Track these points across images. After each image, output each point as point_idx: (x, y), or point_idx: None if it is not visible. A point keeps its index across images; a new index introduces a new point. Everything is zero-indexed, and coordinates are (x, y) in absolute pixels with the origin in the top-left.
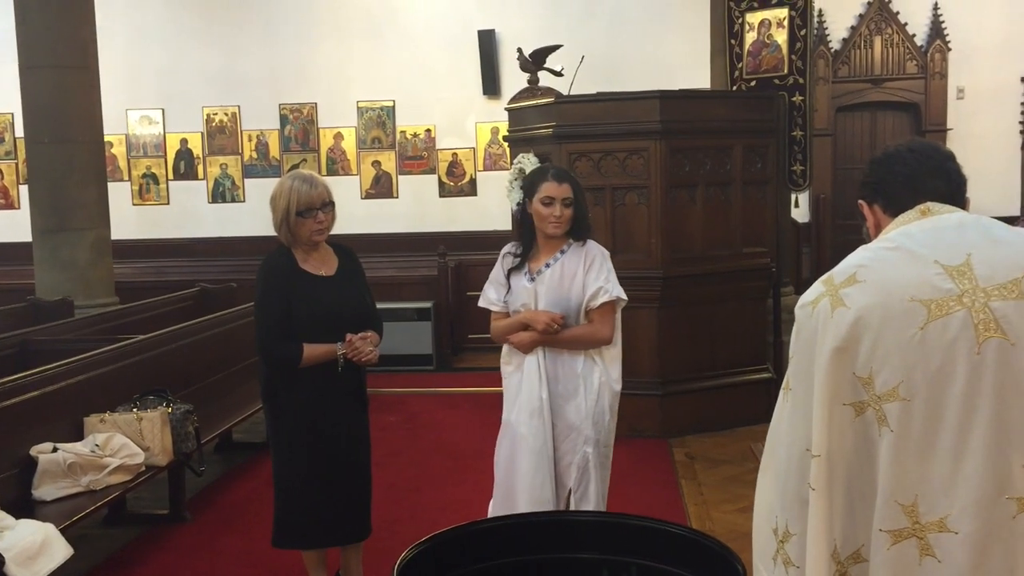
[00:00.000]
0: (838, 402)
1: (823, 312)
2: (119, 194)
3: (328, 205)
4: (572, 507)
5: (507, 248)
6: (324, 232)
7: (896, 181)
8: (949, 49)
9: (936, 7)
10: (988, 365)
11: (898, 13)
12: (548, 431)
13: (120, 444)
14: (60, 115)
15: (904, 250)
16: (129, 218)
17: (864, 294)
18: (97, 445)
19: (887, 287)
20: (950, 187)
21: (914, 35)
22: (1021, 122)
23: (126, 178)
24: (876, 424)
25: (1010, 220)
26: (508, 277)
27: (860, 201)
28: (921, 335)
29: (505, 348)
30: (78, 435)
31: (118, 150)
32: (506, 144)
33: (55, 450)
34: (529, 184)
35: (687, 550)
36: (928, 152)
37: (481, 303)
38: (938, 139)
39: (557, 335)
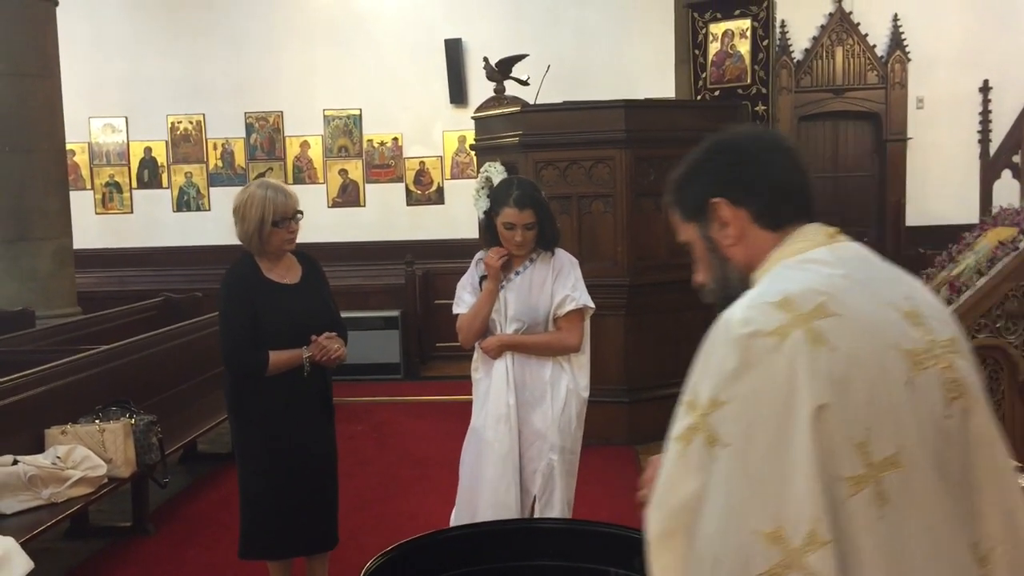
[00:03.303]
0: (832, 474)
1: (799, 349)
2: (81, 203)
3: (299, 214)
4: (537, 514)
5: (479, 255)
6: (294, 241)
7: (776, 188)
8: (909, 59)
9: (896, 18)
10: (955, 429)
11: (859, 24)
12: (515, 437)
13: (82, 456)
14: (21, 123)
15: (855, 280)
16: (92, 227)
17: (847, 332)
18: (58, 457)
19: (867, 326)
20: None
21: (875, 46)
22: (979, 131)
23: (89, 187)
24: (875, 500)
25: (968, 228)
26: (480, 284)
27: (718, 199)
28: (909, 392)
29: (476, 353)
30: (39, 447)
31: (80, 158)
32: (473, 153)
33: (15, 463)
34: (494, 200)
35: None
36: (796, 155)
37: (457, 309)
38: (899, 148)
39: (525, 341)
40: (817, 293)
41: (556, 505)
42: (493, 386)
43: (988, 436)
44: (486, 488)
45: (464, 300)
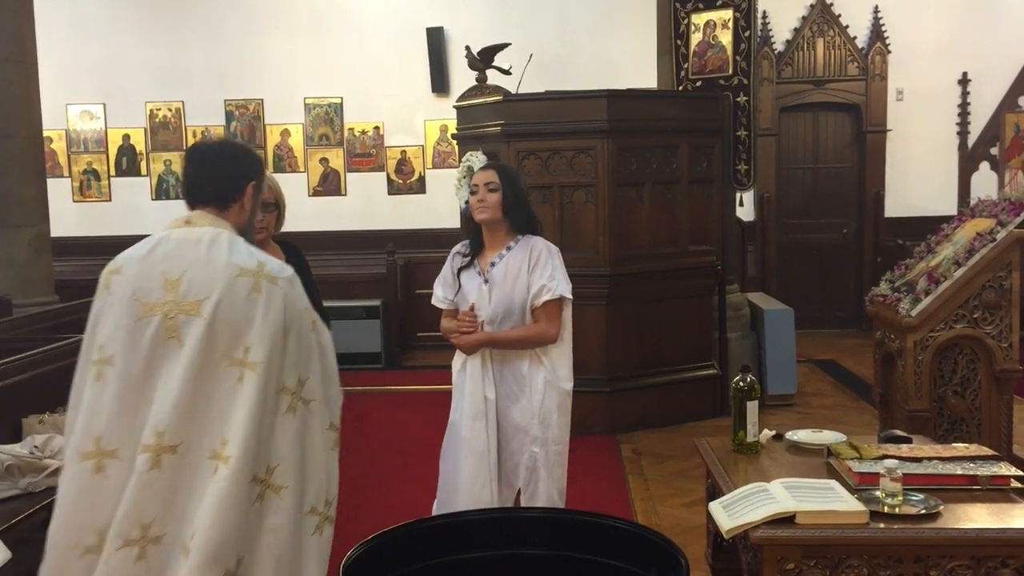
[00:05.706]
0: (88, 357)
1: (101, 285)
2: (59, 190)
3: (270, 207)
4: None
5: (456, 248)
6: (262, 232)
7: (184, 183)
8: (889, 51)
9: (877, 10)
10: (168, 355)
11: (840, 16)
12: (492, 433)
13: (60, 445)
14: None
15: (153, 255)
16: (70, 215)
17: (120, 285)
18: (36, 447)
19: (130, 283)
20: (216, 193)
21: (855, 37)
22: (958, 123)
23: (66, 174)
24: (96, 375)
25: (946, 219)
26: (458, 276)
27: None
28: (135, 324)
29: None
30: (16, 436)
31: (58, 145)
32: (455, 142)
33: None
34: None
35: (632, 544)
36: (210, 159)
37: (433, 301)
38: (878, 140)
39: (502, 337)
40: (125, 258)
41: (541, 497)
42: (469, 381)
43: (186, 360)
44: (463, 485)
45: (436, 294)
